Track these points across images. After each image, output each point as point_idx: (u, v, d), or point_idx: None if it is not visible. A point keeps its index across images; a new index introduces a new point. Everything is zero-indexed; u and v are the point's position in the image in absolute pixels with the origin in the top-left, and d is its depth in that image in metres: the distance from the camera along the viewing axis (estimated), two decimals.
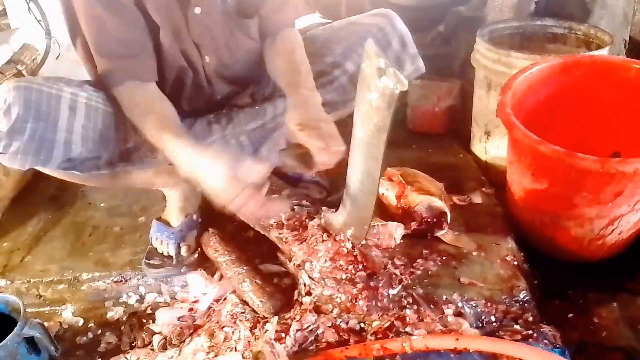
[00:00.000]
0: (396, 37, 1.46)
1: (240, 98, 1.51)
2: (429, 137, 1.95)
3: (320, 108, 1.29)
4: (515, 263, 1.33)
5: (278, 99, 1.49)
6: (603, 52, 1.60)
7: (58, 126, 1.22)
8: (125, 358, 1.28)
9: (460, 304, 1.21)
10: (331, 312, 1.21)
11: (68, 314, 1.45)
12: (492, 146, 1.76)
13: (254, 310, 1.27)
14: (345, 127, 1.35)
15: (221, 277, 1.40)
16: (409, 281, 1.27)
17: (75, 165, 1.28)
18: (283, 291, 1.30)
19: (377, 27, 1.45)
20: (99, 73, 1.31)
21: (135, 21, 1.27)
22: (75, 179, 1.36)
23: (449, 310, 1.19)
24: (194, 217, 1.51)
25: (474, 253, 1.35)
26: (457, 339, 1.06)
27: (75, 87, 1.28)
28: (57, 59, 2.01)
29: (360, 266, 1.21)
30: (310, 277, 1.25)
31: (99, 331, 1.39)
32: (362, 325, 1.18)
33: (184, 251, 1.45)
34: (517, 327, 1.16)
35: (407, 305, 1.20)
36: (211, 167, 1.15)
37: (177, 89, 1.42)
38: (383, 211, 1.43)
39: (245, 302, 1.29)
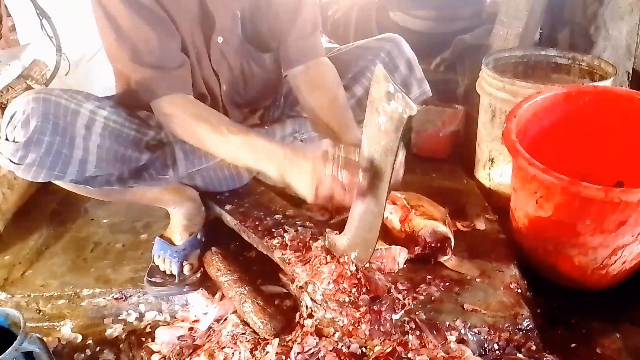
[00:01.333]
0: (403, 61, 1.48)
1: (250, 120, 1.52)
2: (433, 161, 1.96)
3: None
4: (519, 290, 1.32)
5: (287, 120, 1.51)
6: (607, 83, 1.62)
7: (75, 143, 1.21)
8: None
9: (463, 331, 1.20)
10: (333, 335, 1.20)
11: (67, 330, 1.44)
12: (496, 173, 1.77)
13: (254, 332, 1.26)
14: None
15: (222, 296, 1.39)
16: (412, 306, 1.26)
17: (87, 179, 1.28)
18: (285, 313, 1.29)
19: (384, 51, 1.47)
20: (134, 84, 1.27)
21: (175, 35, 1.27)
22: (84, 192, 1.36)
23: (451, 337, 1.18)
24: (198, 235, 1.50)
25: (477, 279, 1.35)
26: None
27: (93, 102, 1.27)
28: (66, 75, 2.04)
29: (364, 289, 1.20)
30: (312, 299, 1.25)
31: (98, 348, 1.38)
32: (364, 349, 1.17)
33: (186, 270, 1.44)
34: (520, 355, 1.16)
35: (410, 331, 1.20)
36: (299, 174, 1.09)
37: None
38: (386, 235, 1.43)
39: (246, 323, 1.28)
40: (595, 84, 1.63)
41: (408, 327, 1.20)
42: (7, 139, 1.19)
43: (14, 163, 1.19)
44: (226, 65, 1.37)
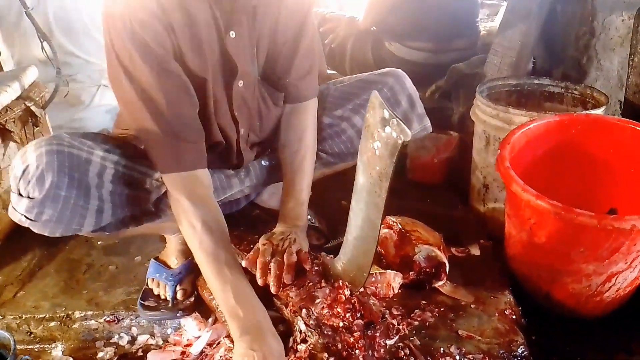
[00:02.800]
0: (405, 96, 1.49)
1: (259, 155, 1.53)
2: (428, 187, 1.97)
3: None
4: (513, 317, 1.32)
5: None
6: (599, 111, 1.65)
7: (90, 194, 1.20)
8: None
9: (457, 357, 1.20)
10: None
11: (58, 352, 1.42)
12: (490, 199, 1.78)
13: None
14: (346, 175, 1.37)
15: (216, 320, 1.38)
16: (406, 332, 1.26)
17: (104, 227, 1.26)
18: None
19: (387, 86, 1.48)
20: (149, 149, 1.23)
21: (195, 104, 1.23)
22: (97, 237, 1.34)
23: None
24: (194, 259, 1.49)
25: (472, 305, 1.35)
26: None
27: (102, 145, 1.24)
28: (65, 97, 2.05)
29: (358, 314, 1.19)
30: (306, 324, 1.23)
31: None
32: None
33: (179, 295, 1.43)
34: None
35: (404, 357, 1.19)
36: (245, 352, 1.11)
37: None
38: (381, 260, 1.43)
39: None
40: (587, 112, 1.65)
41: (402, 353, 1.19)
42: (20, 195, 1.15)
43: (30, 220, 1.17)
44: (246, 108, 1.35)
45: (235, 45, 1.23)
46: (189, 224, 1.22)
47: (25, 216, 1.17)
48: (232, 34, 1.21)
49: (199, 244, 1.21)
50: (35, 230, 1.19)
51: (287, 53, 1.34)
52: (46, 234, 1.20)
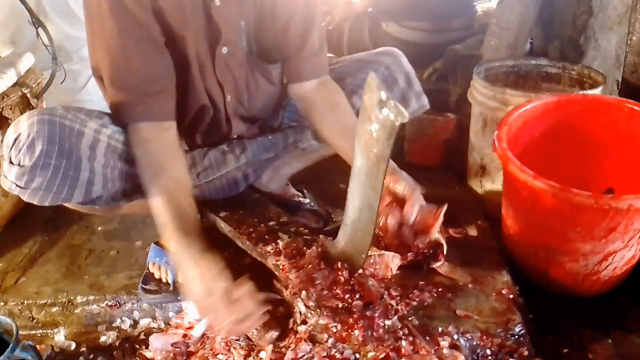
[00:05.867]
0: (402, 75, 1.50)
1: (250, 131, 1.53)
2: (425, 170, 1.97)
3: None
4: (511, 296, 1.33)
5: (288, 130, 1.53)
6: (596, 91, 1.64)
7: (81, 165, 1.21)
8: None
9: (455, 336, 1.21)
10: (326, 341, 1.20)
11: (61, 337, 1.44)
12: (487, 180, 1.78)
13: (248, 338, 1.26)
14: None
15: None
16: (405, 312, 1.26)
17: (94, 200, 1.27)
18: (278, 319, 1.29)
19: (384, 65, 1.49)
20: (110, 104, 1.28)
21: (164, 58, 1.26)
22: (89, 211, 1.36)
23: (444, 342, 1.19)
24: None
25: (470, 285, 1.36)
26: None
27: (96, 120, 1.26)
28: (61, 83, 2.04)
29: (357, 296, 1.21)
30: (306, 306, 1.25)
31: (91, 355, 1.38)
32: (357, 355, 1.17)
33: (180, 278, 1.44)
34: None
35: (403, 337, 1.20)
36: (193, 281, 1.14)
37: (194, 126, 1.44)
38: (379, 241, 1.44)
39: None
40: (585, 92, 1.65)
41: (401, 333, 1.20)
42: (11, 162, 1.17)
43: (20, 187, 1.18)
44: (231, 76, 1.37)
45: (220, 13, 1.26)
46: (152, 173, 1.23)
47: (15, 184, 1.18)
48: (217, 2, 1.24)
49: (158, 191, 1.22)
50: (24, 198, 1.20)
51: (298, 31, 1.36)
52: (35, 203, 1.20)
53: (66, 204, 1.28)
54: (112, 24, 1.18)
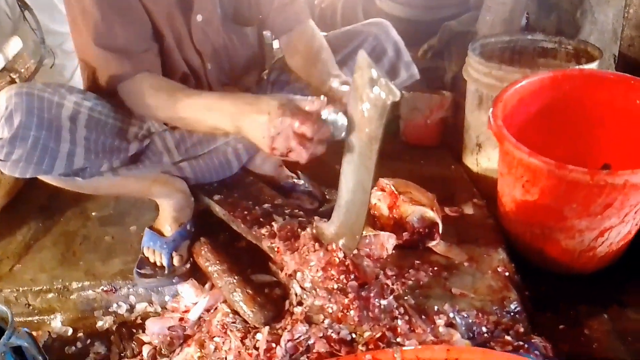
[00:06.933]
0: (391, 45, 1.49)
1: None
2: (421, 149, 1.96)
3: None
4: (507, 274, 1.33)
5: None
6: (592, 66, 1.62)
7: (62, 137, 1.20)
8: None
9: (451, 315, 1.21)
10: (322, 322, 1.21)
11: (57, 324, 1.44)
12: (483, 158, 1.77)
13: (244, 320, 1.27)
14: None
15: (212, 286, 1.40)
16: (401, 292, 1.27)
17: (77, 172, 1.26)
18: (274, 301, 1.30)
19: (372, 36, 1.47)
20: (98, 71, 1.26)
21: (143, 22, 1.26)
22: (73, 187, 1.34)
23: (440, 321, 1.19)
24: (188, 226, 1.50)
25: (465, 264, 1.36)
26: (449, 350, 1.06)
27: (77, 94, 1.25)
28: (51, 67, 2.02)
29: (352, 276, 1.21)
30: (301, 287, 1.25)
31: (88, 341, 1.38)
32: (353, 335, 1.18)
33: (176, 261, 1.44)
34: (508, 338, 1.16)
35: (399, 316, 1.20)
36: (254, 128, 1.07)
37: None
38: (375, 221, 1.43)
39: (236, 312, 1.29)
40: (581, 67, 1.63)
41: (397, 313, 1.21)
42: None
43: (0, 160, 1.18)
44: (209, 43, 1.36)
45: None
46: (147, 95, 1.23)
47: None
48: None
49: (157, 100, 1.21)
50: (5, 171, 1.20)
51: None
52: (17, 175, 1.20)
53: (49, 178, 1.27)
54: None
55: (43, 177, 1.27)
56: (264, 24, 1.47)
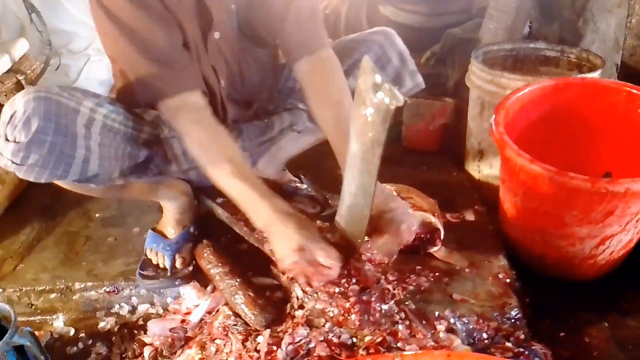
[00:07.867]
0: (396, 53, 1.48)
1: (246, 114, 1.52)
2: (423, 154, 1.97)
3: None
4: (507, 280, 1.34)
5: (284, 113, 1.52)
6: (595, 75, 1.63)
7: (77, 143, 1.20)
8: None
9: (452, 320, 1.22)
10: (323, 326, 1.21)
11: (59, 324, 1.44)
12: (485, 165, 1.78)
13: (246, 323, 1.27)
14: None
15: (214, 289, 1.40)
16: (402, 296, 1.27)
17: (90, 178, 1.27)
18: (275, 304, 1.30)
19: (377, 44, 1.47)
20: (139, 82, 1.24)
21: (178, 33, 1.25)
22: (84, 191, 1.36)
23: (440, 326, 1.20)
24: (191, 229, 1.51)
25: (466, 270, 1.36)
26: (449, 355, 1.06)
27: (92, 99, 1.25)
28: (56, 69, 2.03)
29: (354, 280, 1.21)
30: (303, 291, 1.26)
31: (90, 341, 1.38)
32: (354, 339, 1.18)
33: (178, 263, 1.45)
34: (508, 344, 1.17)
35: (399, 321, 1.21)
36: (285, 238, 1.12)
37: None
38: None
39: (237, 315, 1.29)
40: (583, 76, 1.64)
41: (398, 317, 1.21)
42: (7, 140, 1.16)
43: (16, 164, 1.17)
44: (223, 60, 1.36)
45: None
46: (197, 137, 1.22)
47: (11, 160, 1.17)
48: None
49: (225, 173, 1.19)
50: (20, 175, 1.20)
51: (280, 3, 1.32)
52: (31, 179, 1.20)
53: (62, 183, 1.28)
54: (126, 5, 1.16)
55: (57, 182, 1.27)
56: (278, 43, 1.41)
